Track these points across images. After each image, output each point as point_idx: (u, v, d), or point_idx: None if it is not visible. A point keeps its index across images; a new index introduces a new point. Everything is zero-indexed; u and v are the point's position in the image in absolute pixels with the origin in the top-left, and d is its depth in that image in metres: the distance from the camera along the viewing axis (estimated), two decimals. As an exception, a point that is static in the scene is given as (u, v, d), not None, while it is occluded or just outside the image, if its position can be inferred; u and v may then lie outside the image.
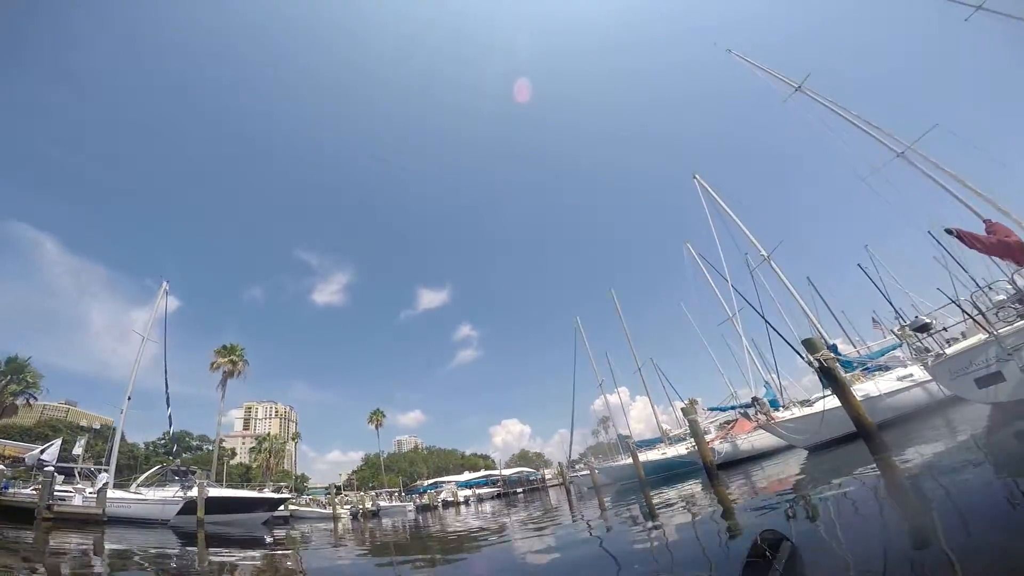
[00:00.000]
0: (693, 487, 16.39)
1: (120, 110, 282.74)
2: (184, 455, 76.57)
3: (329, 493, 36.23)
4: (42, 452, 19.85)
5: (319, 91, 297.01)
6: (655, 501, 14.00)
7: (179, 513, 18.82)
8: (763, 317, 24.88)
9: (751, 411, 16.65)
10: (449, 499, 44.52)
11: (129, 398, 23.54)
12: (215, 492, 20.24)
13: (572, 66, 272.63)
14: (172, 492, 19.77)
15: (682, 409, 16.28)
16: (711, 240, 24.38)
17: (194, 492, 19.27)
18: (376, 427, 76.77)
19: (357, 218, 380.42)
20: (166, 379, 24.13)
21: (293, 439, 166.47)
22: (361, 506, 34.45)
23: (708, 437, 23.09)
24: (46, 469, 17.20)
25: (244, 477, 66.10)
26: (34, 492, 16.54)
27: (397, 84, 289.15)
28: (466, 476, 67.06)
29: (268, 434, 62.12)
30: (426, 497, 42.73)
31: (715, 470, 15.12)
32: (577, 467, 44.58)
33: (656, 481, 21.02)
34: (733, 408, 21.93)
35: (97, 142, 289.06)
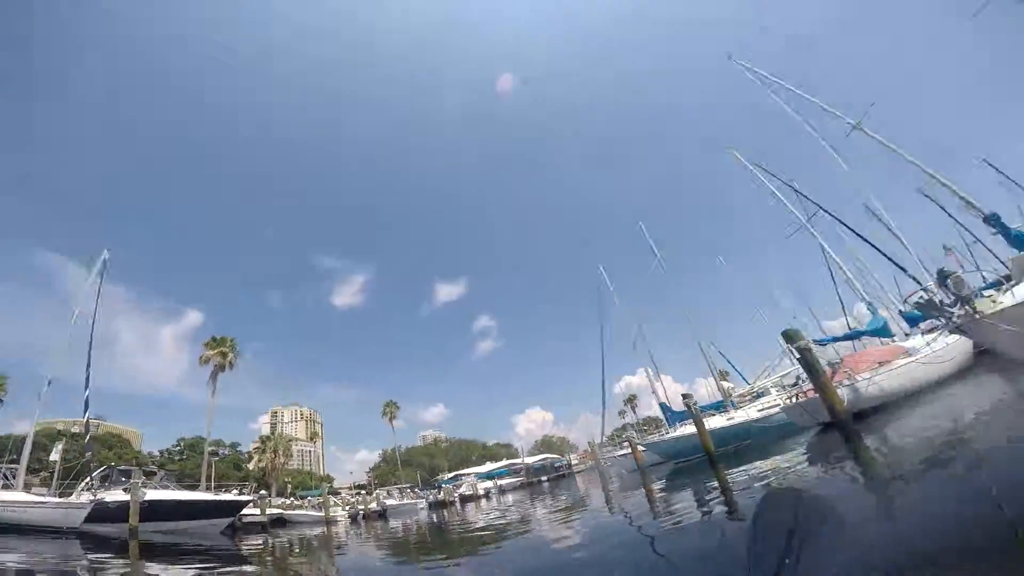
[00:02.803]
0: (792, 457, 11.44)
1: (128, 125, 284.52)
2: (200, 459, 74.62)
3: (323, 494, 31.48)
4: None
5: (314, 93, 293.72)
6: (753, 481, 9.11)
7: (90, 520, 15.37)
8: (844, 224, 19.10)
9: (945, 300, 10.41)
10: (468, 492, 39.62)
11: (48, 383, 19.09)
12: (154, 495, 15.92)
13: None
14: (84, 496, 16.12)
15: (785, 336, 10.52)
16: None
17: (112, 495, 15.85)
18: (390, 420, 72.72)
19: (369, 219, 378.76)
20: (89, 356, 19.60)
21: (312, 439, 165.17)
22: (362, 507, 29.62)
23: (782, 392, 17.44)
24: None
25: (260, 480, 63.19)
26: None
27: (399, 82, 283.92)
28: (487, 467, 62.19)
29: (273, 433, 58.10)
30: (441, 492, 37.74)
31: (850, 422, 9.44)
32: (605, 449, 38.95)
33: (724, 457, 15.45)
34: (855, 334, 16.14)
35: (106, 159, 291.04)
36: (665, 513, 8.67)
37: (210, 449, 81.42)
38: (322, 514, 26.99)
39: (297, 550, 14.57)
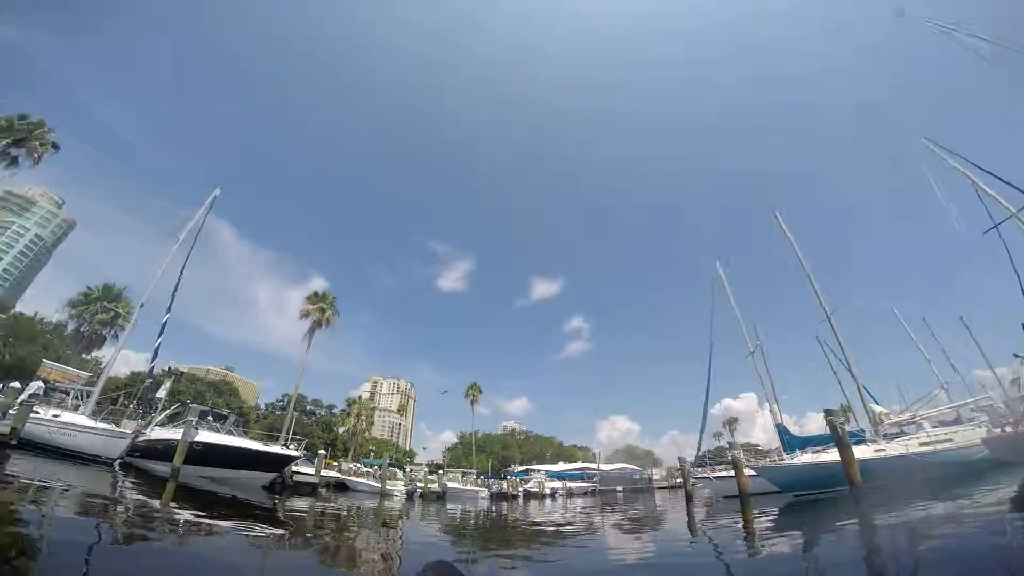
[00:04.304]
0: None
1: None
2: (302, 419, 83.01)
3: (381, 465, 31.14)
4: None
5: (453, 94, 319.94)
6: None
7: (133, 454, 15.45)
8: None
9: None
10: (534, 489, 37.16)
11: (142, 305, 21.18)
12: (205, 436, 15.58)
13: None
14: (129, 427, 16.56)
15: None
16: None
17: (159, 432, 15.98)
18: (471, 402, 72.97)
19: (482, 210, 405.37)
20: (173, 294, 20.49)
21: (400, 411, 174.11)
22: (420, 485, 28.71)
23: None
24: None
25: (345, 445, 68.16)
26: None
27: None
28: (560, 467, 59.02)
29: (360, 399, 61.09)
30: (506, 484, 35.74)
31: None
32: (697, 471, 33.40)
33: (868, 494, 10.86)
34: None
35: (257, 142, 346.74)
36: (769, 552, 6.88)
37: (309, 408, 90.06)
38: (380, 485, 26.49)
39: (333, 525, 12.34)
